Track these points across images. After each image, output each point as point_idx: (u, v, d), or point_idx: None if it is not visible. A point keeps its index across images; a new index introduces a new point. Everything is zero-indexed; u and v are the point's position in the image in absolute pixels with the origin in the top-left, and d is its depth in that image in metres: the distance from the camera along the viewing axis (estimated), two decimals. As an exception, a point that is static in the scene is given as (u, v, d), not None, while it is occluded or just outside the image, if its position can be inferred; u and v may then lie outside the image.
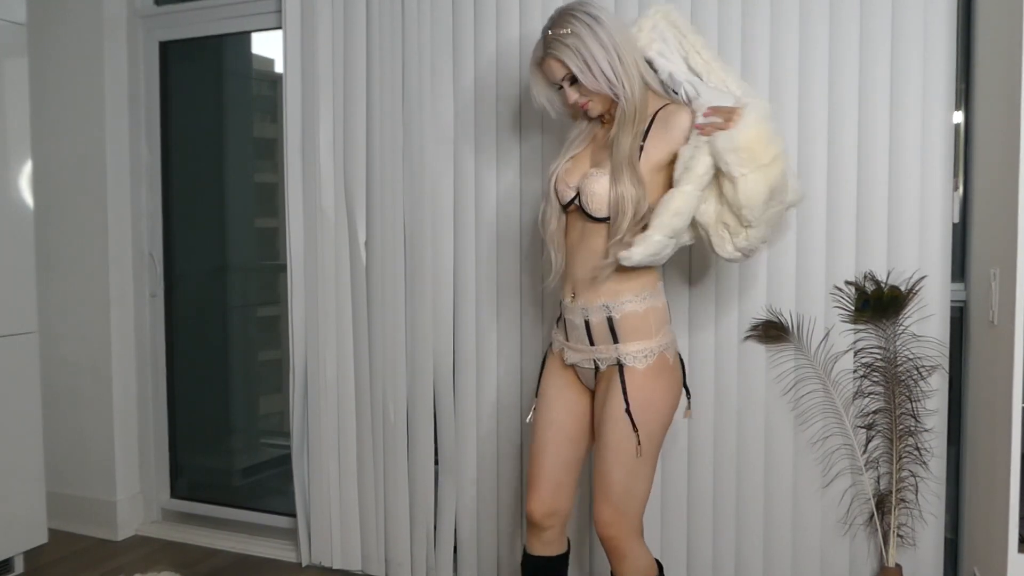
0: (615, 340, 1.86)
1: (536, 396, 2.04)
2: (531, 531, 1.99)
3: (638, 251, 1.77)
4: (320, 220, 2.73)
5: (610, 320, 1.86)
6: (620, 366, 1.86)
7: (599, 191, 1.82)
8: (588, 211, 1.85)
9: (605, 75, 1.80)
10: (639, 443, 1.82)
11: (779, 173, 1.77)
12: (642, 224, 1.81)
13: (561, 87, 1.89)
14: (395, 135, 2.62)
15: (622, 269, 1.83)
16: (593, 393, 1.98)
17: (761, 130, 1.74)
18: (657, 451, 1.89)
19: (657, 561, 1.97)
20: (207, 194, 3.41)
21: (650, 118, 1.85)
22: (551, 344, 2.04)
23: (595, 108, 1.89)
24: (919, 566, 2.21)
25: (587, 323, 1.89)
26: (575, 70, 1.81)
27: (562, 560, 2.02)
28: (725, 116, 1.76)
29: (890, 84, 2.15)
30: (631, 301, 1.86)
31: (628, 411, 1.82)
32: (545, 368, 2.04)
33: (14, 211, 2.72)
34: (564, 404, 1.98)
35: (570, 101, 1.88)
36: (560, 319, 1.99)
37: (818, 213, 2.22)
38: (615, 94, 1.82)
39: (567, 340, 1.96)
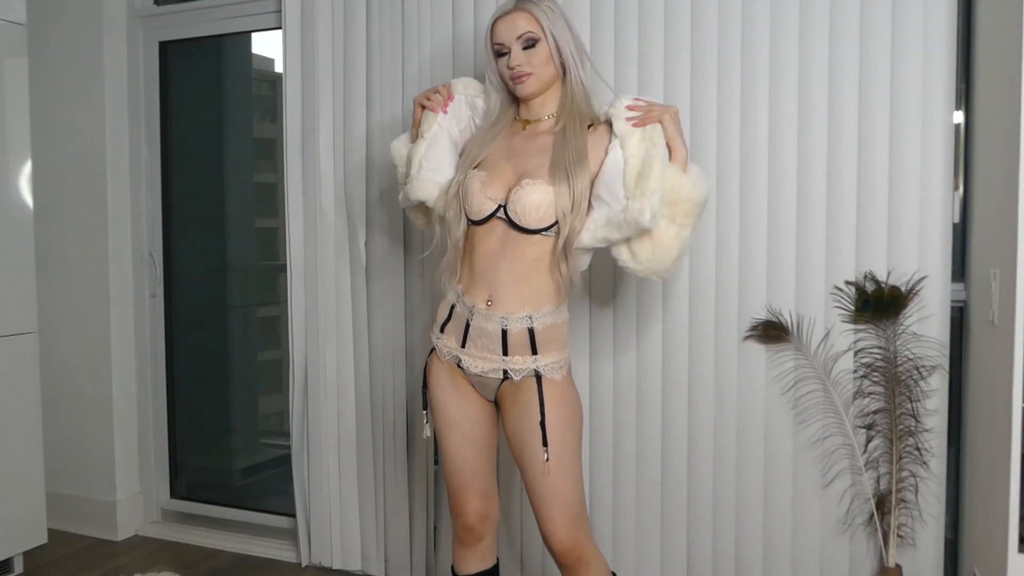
0: (534, 351, 1.81)
1: (425, 409, 1.95)
2: (466, 546, 1.94)
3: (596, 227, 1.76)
4: (320, 220, 2.73)
5: (531, 331, 1.80)
6: (539, 377, 1.81)
7: (540, 203, 1.75)
8: (521, 224, 1.77)
9: (563, 52, 1.82)
10: (547, 458, 1.78)
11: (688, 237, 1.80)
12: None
13: (505, 54, 1.82)
14: (395, 135, 2.62)
15: (547, 276, 1.80)
16: (493, 403, 1.92)
17: (701, 191, 1.77)
18: (580, 453, 1.87)
19: None
20: (207, 194, 3.41)
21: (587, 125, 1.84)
22: (433, 351, 1.92)
23: (531, 86, 1.82)
24: (919, 566, 2.21)
25: (504, 332, 1.80)
26: (544, 25, 1.79)
27: (495, 573, 2.00)
28: (646, 109, 1.77)
29: (890, 84, 2.15)
30: (551, 312, 1.82)
31: (543, 423, 1.78)
32: (433, 380, 1.91)
33: (14, 211, 2.72)
34: (472, 417, 1.90)
35: (513, 63, 1.80)
36: (447, 323, 1.88)
37: (818, 213, 2.22)
38: (566, 72, 1.83)
39: (463, 347, 1.84)
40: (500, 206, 1.80)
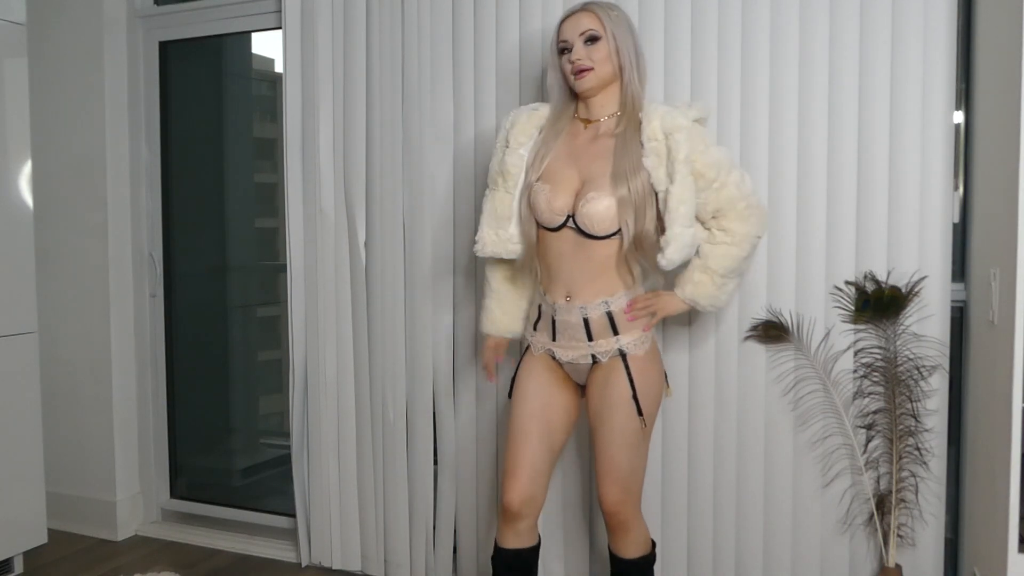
0: (615, 332, 1.96)
1: (509, 398, 2.09)
2: (506, 523, 2.01)
3: (672, 251, 1.89)
4: (320, 220, 2.73)
5: (609, 314, 1.95)
6: (623, 355, 1.95)
7: (604, 214, 1.89)
8: (590, 233, 1.91)
9: (621, 53, 1.92)
10: (644, 424, 1.95)
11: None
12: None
13: (568, 51, 1.94)
14: (395, 135, 2.62)
15: (616, 269, 1.94)
16: (582, 387, 2.06)
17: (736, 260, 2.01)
18: (652, 428, 2.04)
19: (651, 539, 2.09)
20: (207, 194, 3.41)
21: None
22: (527, 348, 2.10)
23: (590, 81, 1.93)
24: (919, 566, 2.21)
25: (586, 320, 1.95)
26: (606, 25, 1.91)
27: (533, 552, 2.05)
28: (650, 309, 1.98)
29: (890, 84, 2.15)
30: (625, 295, 1.97)
31: (635, 397, 1.93)
32: (523, 370, 2.08)
33: (14, 211, 2.72)
34: (546, 397, 2.04)
35: (574, 57, 1.92)
36: (539, 322, 2.06)
37: (818, 213, 2.22)
38: (623, 73, 1.93)
39: (554, 340, 2.02)
40: (569, 216, 1.93)
